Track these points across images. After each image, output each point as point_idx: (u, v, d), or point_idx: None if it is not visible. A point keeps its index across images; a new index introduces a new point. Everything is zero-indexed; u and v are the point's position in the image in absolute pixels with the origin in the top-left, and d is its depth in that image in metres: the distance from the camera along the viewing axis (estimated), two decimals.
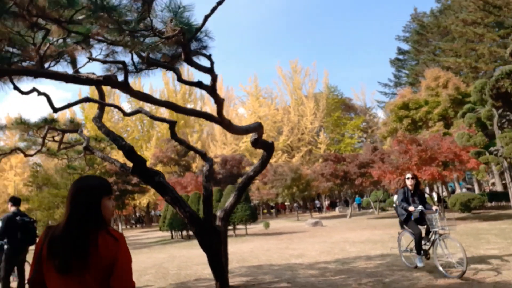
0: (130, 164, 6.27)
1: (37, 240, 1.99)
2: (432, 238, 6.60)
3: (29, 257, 7.95)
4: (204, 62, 4.04)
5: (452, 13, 26.81)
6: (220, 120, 4.45)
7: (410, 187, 6.91)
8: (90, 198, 1.93)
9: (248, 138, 43.04)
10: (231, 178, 39.14)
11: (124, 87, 3.64)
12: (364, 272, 7.31)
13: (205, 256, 11.72)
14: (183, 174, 38.25)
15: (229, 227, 20.12)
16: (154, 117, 5.92)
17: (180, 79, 4.07)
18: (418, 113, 23.61)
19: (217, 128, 51.45)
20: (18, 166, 39.33)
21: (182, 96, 47.88)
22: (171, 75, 49.61)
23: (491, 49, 23.38)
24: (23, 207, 34.31)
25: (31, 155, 7.00)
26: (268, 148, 6.13)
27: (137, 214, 55.95)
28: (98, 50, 4.19)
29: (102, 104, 5.65)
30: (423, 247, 6.73)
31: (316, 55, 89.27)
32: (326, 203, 45.33)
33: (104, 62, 4.12)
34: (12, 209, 7.00)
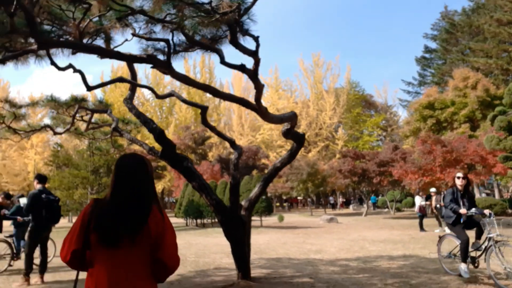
0: (158, 148, 6.20)
1: (80, 214, 1.93)
2: (486, 244, 5.90)
3: (53, 235, 8.04)
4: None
5: (487, 12, 25.84)
6: (257, 107, 4.30)
7: (459, 187, 6.19)
8: (149, 174, 1.96)
9: (264, 130, 42.99)
10: (247, 169, 39.11)
11: (166, 67, 3.52)
12: (388, 272, 7.11)
13: (223, 245, 11.73)
14: (199, 163, 38.41)
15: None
16: (186, 101, 5.80)
17: (223, 62, 3.93)
18: (443, 113, 22.97)
19: (234, 118, 51.40)
20: (38, 145, 40.05)
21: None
22: (192, 63, 49.69)
23: None
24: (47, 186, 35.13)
25: (60, 133, 7.00)
26: (299, 140, 5.96)
27: None
28: (137, 29, 4.07)
29: (134, 84, 5.56)
30: (471, 253, 6.10)
31: (340, 49, 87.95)
32: (340, 200, 44.95)
33: (148, 39, 3.99)
34: (38, 186, 7.02)
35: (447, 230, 14.62)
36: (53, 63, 4.15)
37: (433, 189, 15.70)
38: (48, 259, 7.90)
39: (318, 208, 44.70)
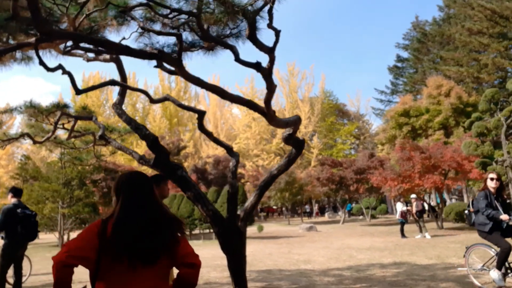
0: (146, 155, 5.83)
1: (88, 232, 1.88)
2: None
3: (28, 252, 7.43)
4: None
5: (458, 22, 26.88)
6: (266, 109, 4.06)
7: (492, 190, 5.40)
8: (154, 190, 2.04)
9: (241, 139, 42.53)
10: (223, 179, 38.58)
11: (177, 64, 3.23)
12: (385, 281, 6.98)
13: (206, 258, 11.30)
14: None
15: None
16: (182, 106, 5.47)
17: (238, 59, 3.67)
18: (418, 120, 23.55)
19: (210, 127, 50.90)
20: (3, 158, 38.08)
21: (177, 93, 47.29)
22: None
23: (495, 59, 23.46)
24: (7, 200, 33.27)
25: (40, 142, 6.47)
26: (299, 146, 5.75)
27: None
28: (134, 28, 3.77)
29: (127, 88, 5.19)
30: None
31: (314, 58, 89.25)
32: (315, 208, 45.15)
33: (159, 33, 3.67)
34: (12, 200, 6.46)
35: (428, 236, 14.86)
36: (42, 62, 3.77)
37: (413, 195, 15.92)
38: (23, 279, 7.29)
39: (293, 217, 44.66)
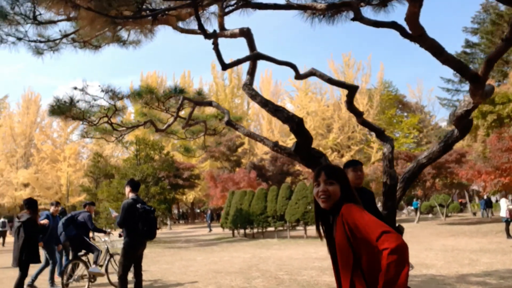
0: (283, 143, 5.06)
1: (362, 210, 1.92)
2: None
3: (147, 251, 6.99)
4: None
5: None
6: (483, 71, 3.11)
7: None
8: None
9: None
10: (281, 176, 37.88)
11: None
12: None
13: (303, 259, 10.46)
14: (233, 170, 37.35)
15: (300, 228, 18.75)
16: (331, 80, 4.59)
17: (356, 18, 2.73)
18: (506, 108, 21.28)
19: (264, 124, 50.29)
20: (71, 157, 39.75)
21: (231, 90, 47.14)
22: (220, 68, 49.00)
23: None
24: (83, 198, 34.41)
25: (163, 130, 5.95)
26: (466, 127, 4.73)
27: (180, 210, 55.68)
28: None
29: (272, 61, 4.44)
30: None
31: (371, 48, 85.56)
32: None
33: None
34: (131, 195, 5.95)
35: None
36: (201, 26, 3.08)
37: None
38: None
39: None
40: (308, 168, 5.07)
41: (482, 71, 3.26)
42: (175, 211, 54.08)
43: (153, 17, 3.92)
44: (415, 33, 2.85)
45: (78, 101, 5.51)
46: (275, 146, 5.03)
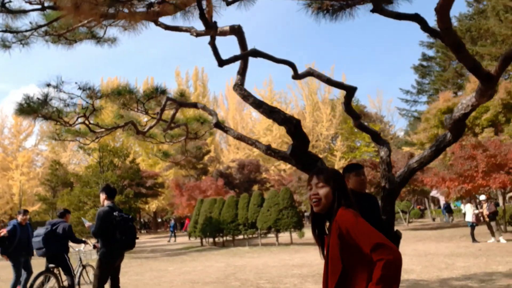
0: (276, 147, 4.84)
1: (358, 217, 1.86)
2: None
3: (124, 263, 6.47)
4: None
5: (494, 14, 25.73)
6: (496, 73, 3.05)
7: None
8: None
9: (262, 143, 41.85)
10: (249, 184, 37.63)
11: None
12: None
13: (280, 266, 10.23)
14: (199, 178, 36.66)
15: (272, 235, 18.51)
16: (330, 81, 4.43)
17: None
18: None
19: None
20: (24, 165, 37.39)
21: (196, 97, 46.35)
22: (184, 75, 48.23)
23: None
24: (38, 207, 32.24)
25: (144, 133, 5.51)
26: (459, 131, 4.73)
27: (142, 220, 53.86)
28: None
29: (271, 59, 4.21)
30: None
31: (334, 58, 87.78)
32: None
33: None
34: (106, 202, 5.49)
35: (502, 240, 13.66)
36: (202, 15, 2.82)
37: (482, 197, 14.76)
38: None
39: None
40: (303, 172, 4.90)
41: (496, 70, 3.22)
42: (137, 220, 52.23)
43: (147, 7, 3.59)
44: (443, 25, 2.75)
45: (51, 99, 5.00)
46: (268, 150, 4.80)
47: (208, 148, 39.35)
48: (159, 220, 52.60)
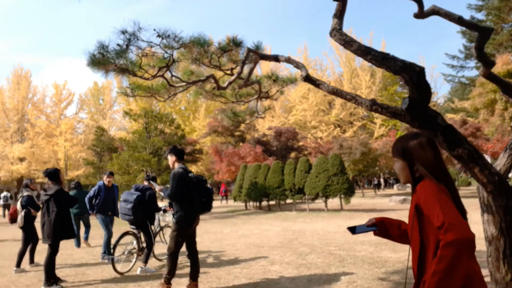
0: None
1: (440, 191, 1.70)
2: None
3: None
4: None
5: None
6: None
7: None
8: None
9: (297, 111, 40.81)
10: (286, 151, 37.22)
11: None
12: None
13: (339, 233, 9.84)
14: (237, 145, 36.62)
15: (319, 201, 18.13)
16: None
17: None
18: None
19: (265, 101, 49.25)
20: (67, 132, 38.53)
21: None
22: None
23: None
24: (82, 171, 33.59)
25: (224, 88, 5.03)
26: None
27: None
28: None
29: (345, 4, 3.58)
30: None
31: (372, 24, 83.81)
32: (382, 180, 43.15)
33: None
34: (177, 164, 5.14)
35: None
36: None
37: None
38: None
39: (358, 188, 42.81)
40: (422, 130, 4.31)
41: None
42: None
43: None
44: None
45: (129, 48, 4.58)
46: (374, 105, 4.19)
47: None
48: None
